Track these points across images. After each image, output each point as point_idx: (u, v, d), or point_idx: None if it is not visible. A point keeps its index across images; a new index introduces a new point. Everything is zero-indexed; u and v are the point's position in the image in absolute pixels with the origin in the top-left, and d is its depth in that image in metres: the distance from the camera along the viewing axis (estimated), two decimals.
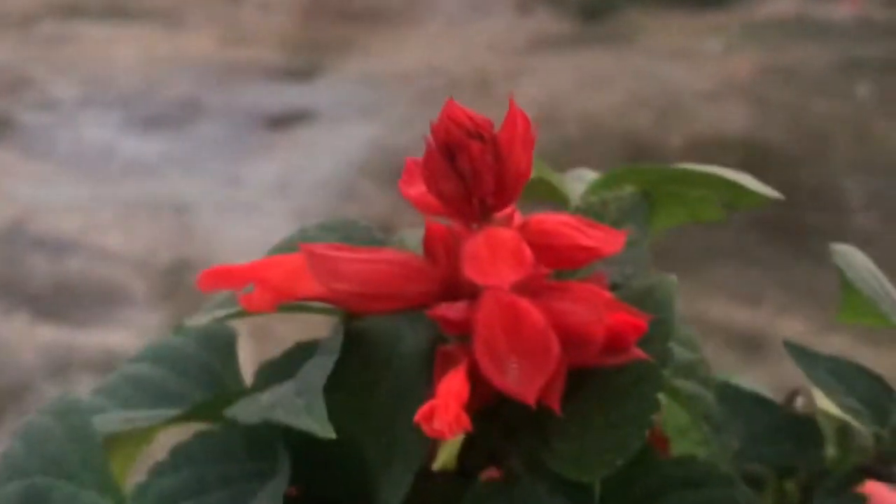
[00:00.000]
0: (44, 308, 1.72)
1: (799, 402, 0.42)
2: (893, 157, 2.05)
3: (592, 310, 0.29)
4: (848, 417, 0.38)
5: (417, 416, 0.27)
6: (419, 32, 2.87)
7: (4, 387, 1.53)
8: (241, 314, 0.33)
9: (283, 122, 2.44)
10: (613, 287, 0.33)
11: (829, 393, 0.37)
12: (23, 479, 0.34)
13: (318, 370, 0.29)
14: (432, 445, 0.35)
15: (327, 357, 0.29)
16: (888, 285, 0.40)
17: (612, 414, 0.30)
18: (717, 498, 0.33)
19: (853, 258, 0.39)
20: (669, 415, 0.37)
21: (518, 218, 0.31)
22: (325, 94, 2.54)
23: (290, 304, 0.32)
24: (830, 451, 0.40)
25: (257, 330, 1.42)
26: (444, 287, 0.31)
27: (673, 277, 0.32)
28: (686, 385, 0.35)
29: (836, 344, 1.51)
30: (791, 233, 1.84)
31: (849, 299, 0.41)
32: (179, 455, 0.32)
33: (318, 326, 0.35)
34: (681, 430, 0.37)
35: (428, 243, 0.31)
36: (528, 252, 0.29)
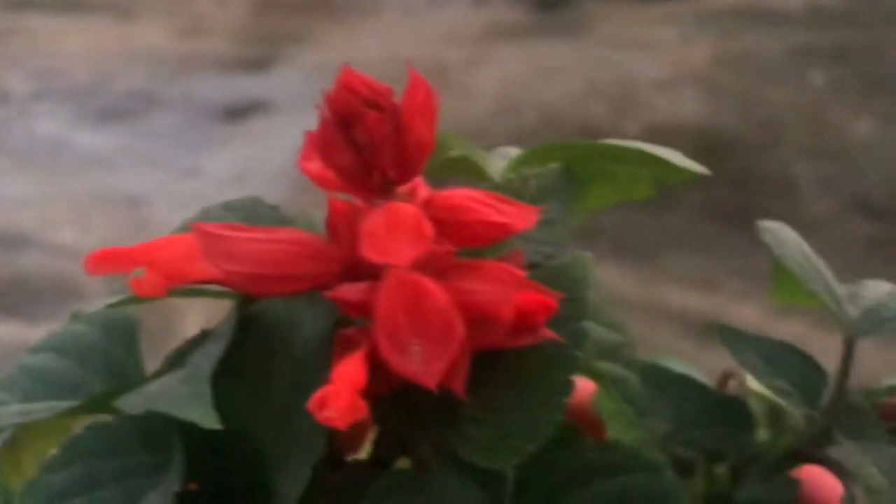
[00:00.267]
0: None
1: (732, 385, 0.41)
2: (846, 143, 2.06)
3: (501, 289, 0.28)
4: (778, 399, 0.36)
5: (310, 404, 0.25)
6: (375, 23, 2.85)
7: None
8: (134, 300, 0.31)
9: (238, 113, 2.42)
10: (531, 267, 0.31)
11: (759, 375, 0.36)
12: None
13: (207, 357, 0.27)
14: (358, 434, 0.34)
15: (217, 343, 0.27)
16: (820, 263, 0.38)
17: (523, 397, 0.28)
18: (642, 484, 0.31)
19: (784, 235, 0.38)
20: (599, 399, 0.36)
21: (425, 193, 0.30)
22: (282, 85, 2.52)
23: (185, 289, 0.30)
24: (762, 434, 0.38)
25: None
26: (346, 267, 0.29)
27: (588, 254, 0.31)
28: (609, 368, 0.34)
29: (790, 329, 1.51)
30: (746, 219, 1.83)
31: (780, 279, 0.40)
32: (71, 449, 0.30)
33: None
34: (609, 416, 0.36)
35: (330, 221, 0.29)
36: (428, 227, 0.27)
